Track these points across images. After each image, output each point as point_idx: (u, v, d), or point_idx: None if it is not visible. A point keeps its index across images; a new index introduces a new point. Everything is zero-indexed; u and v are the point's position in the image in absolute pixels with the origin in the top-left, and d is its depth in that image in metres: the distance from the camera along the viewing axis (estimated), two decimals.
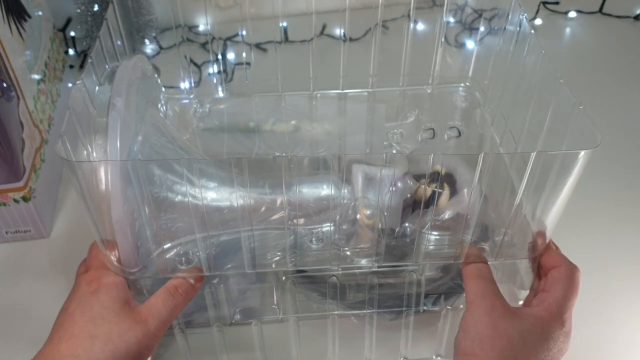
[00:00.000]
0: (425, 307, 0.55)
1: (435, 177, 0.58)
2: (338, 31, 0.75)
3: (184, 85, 0.73)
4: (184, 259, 0.53)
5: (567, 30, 0.96)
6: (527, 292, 0.56)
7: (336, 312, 0.56)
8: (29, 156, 0.67)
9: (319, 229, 0.55)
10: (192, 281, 0.51)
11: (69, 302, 0.50)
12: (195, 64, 0.80)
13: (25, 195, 0.66)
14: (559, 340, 0.47)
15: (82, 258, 0.68)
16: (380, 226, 0.54)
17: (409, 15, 0.68)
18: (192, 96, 0.71)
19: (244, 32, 0.75)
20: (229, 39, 0.83)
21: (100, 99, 0.56)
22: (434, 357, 0.58)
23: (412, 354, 0.58)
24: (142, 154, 0.53)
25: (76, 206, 0.74)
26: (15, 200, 0.66)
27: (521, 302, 0.58)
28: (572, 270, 0.50)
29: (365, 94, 0.70)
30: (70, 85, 0.85)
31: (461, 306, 0.56)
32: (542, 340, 0.47)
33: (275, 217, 0.55)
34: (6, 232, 0.69)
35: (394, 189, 0.55)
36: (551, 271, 0.50)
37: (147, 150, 0.54)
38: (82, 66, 0.91)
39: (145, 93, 0.57)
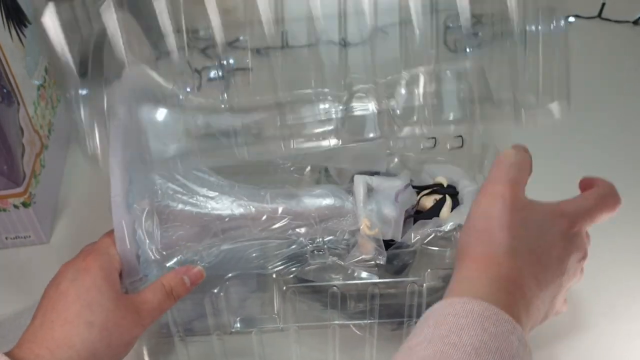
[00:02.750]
0: None
1: (437, 188, 0.58)
2: (337, 37, 0.75)
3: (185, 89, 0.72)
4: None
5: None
6: None
7: (337, 322, 0.55)
8: (29, 162, 0.67)
9: (321, 239, 0.55)
10: (188, 284, 0.50)
11: (61, 276, 0.48)
12: (196, 69, 0.79)
13: (25, 201, 0.66)
14: (564, 239, 0.43)
15: None
16: (382, 237, 0.54)
17: (409, 21, 0.68)
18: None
19: (245, 37, 0.74)
20: (230, 44, 0.82)
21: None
22: None
23: None
24: (142, 162, 0.53)
25: (76, 212, 0.74)
26: (15, 206, 0.66)
27: None
28: (610, 186, 0.48)
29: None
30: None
31: None
32: (544, 232, 0.43)
33: (276, 226, 0.55)
34: (6, 238, 0.69)
35: (397, 200, 0.55)
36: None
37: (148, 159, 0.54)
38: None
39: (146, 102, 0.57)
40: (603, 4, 0.95)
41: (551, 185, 0.71)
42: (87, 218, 0.72)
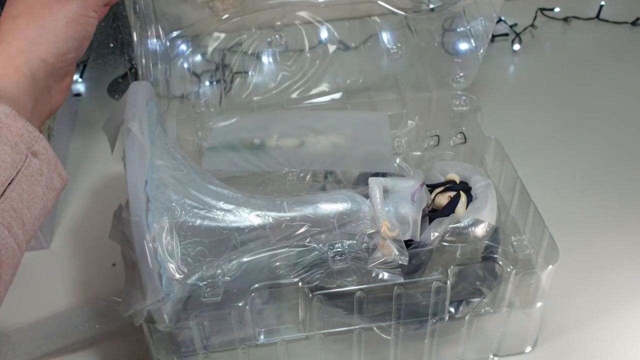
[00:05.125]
0: (449, 315, 0.55)
1: (450, 185, 0.59)
2: (336, 40, 0.75)
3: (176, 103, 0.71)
4: (206, 283, 0.52)
5: (565, 36, 0.96)
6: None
7: (361, 326, 0.55)
8: None
9: (341, 244, 0.55)
10: None
11: None
12: (195, 74, 0.78)
13: None
14: None
15: (81, 269, 0.68)
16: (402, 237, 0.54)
17: (407, 25, 0.69)
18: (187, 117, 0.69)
19: (244, 42, 0.74)
20: (229, 49, 0.81)
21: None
22: None
23: None
24: (156, 179, 0.52)
25: (76, 218, 0.73)
26: None
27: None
28: None
29: (367, 100, 0.70)
30: (69, 95, 0.83)
31: (484, 309, 0.56)
32: None
33: (295, 234, 0.55)
34: None
35: (414, 200, 0.55)
36: None
37: (161, 175, 0.52)
38: (81, 76, 0.90)
39: (150, 117, 0.56)
40: (601, 5, 0.96)
41: (550, 184, 0.73)
42: (87, 224, 0.72)
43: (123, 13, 0.76)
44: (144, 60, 0.67)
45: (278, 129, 0.66)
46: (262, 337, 0.56)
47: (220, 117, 0.67)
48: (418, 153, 0.65)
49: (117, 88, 0.87)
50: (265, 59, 0.70)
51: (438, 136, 0.66)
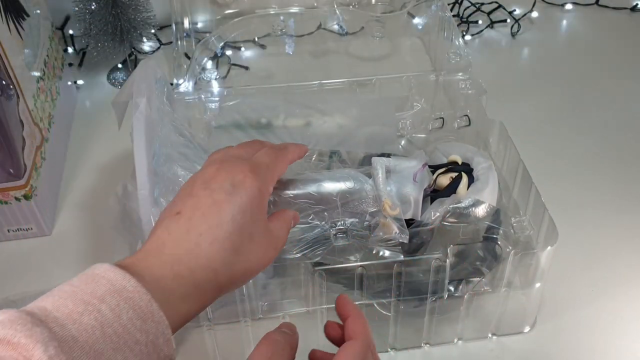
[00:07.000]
0: (448, 293, 0.56)
1: (452, 166, 0.60)
2: (336, 26, 0.76)
3: (185, 84, 0.72)
4: None
5: (564, 22, 0.96)
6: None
7: (362, 302, 0.57)
8: (30, 154, 0.67)
9: (343, 222, 0.56)
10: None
11: (215, 180, 0.42)
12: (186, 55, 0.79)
13: (26, 194, 0.66)
14: None
15: (83, 256, 0.68)
16: (403, 216, 0.55)
17: (408, 12, 0.69)
18: (195, 97, 0.70)
19: (243, 28, 0.75)
20: (229, 36, 0.82)
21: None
22: (455, 340, 0.60)
23: (434, 338, 0.60)
24: (164, 154, 0.53)
25: (78, 204, 0.74)
26: (17, 199, 0.66)
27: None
28: (366, 352, 0.42)
29: (373, 80, 0.70)
30: (69, 83, 0.84)
31: (484, 288, 0.57)
32: None
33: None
34: (8, 230, 0.69)
35: (416, 180, 0.56)
36: (347, 342, 0.44)
37: (168, 150, 0.54)
38: (80, 64, 0.90)
39: (158, 95, 0.57)
40: None
41: (551, 167, 0.74)
42: (89, 210, 0.73)
43: None
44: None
45: (285, 109, 0.67)
46: (265, 310, 0.57)
47: (228, 97, 0.68)
48: (422, 135, 0.66)
49: (117, 75, 0.88)
50: (266, 45, 0.70)
51: (443, 119, 0.67)
